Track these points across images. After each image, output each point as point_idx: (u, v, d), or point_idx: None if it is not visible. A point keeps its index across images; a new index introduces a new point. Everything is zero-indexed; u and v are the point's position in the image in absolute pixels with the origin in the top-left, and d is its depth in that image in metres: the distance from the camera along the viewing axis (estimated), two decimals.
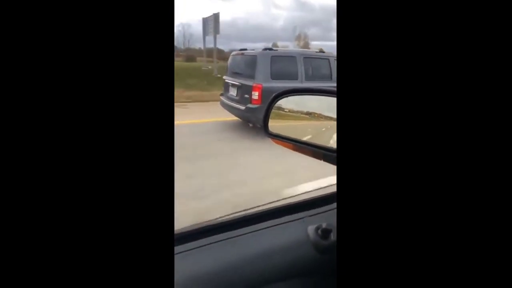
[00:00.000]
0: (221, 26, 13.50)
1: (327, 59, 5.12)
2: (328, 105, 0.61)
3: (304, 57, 4.86)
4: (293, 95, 0.70)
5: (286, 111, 0.70)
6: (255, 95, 4.57)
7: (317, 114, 0.65)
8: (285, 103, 0.70)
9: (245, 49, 5.24)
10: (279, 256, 0.54)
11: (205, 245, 0.52)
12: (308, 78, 4.85)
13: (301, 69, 4.82)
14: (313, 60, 4.96)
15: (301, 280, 0.54)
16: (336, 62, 5.04)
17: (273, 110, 0.71)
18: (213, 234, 0.53)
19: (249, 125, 4.90)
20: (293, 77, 4.78)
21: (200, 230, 0.54)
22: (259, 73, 4.60)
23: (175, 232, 0.50)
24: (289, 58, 4.82)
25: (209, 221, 0.54)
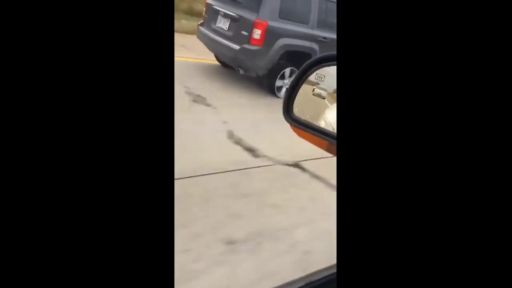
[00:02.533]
0: None
1: None
2: None
3: None
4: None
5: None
6: (257, 33, 3.60)
7: None
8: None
9: None
10: None
11: None
12: (320, 25, 3.96)
13: (314, 12, 3.89)
14: (329, 3, 4.02)
15: None
16: None
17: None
18: None
19: (238, 71, 3.94)
20: (304, 20, 3.86)
21: None
22: (266, 7, 3.59)
23: None
24: None
25: None
